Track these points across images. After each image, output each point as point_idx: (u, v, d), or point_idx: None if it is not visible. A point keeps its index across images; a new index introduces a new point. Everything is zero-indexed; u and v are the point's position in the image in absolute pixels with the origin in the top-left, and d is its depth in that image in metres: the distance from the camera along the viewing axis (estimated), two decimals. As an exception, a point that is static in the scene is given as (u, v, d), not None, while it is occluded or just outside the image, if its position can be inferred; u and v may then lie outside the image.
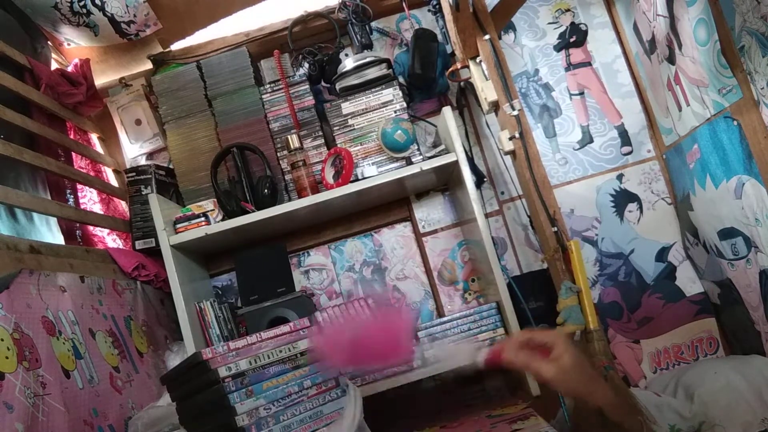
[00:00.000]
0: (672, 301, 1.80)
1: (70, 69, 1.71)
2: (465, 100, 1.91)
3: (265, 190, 1.59)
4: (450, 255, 1.85)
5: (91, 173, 1.74)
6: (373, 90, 1.66)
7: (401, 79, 1.80)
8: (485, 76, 1.61)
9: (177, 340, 1.64)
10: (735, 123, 1.38)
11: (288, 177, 1.67)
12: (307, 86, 1.71)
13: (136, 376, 1.40)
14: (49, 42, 1.71)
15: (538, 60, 1.93)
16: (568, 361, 0.84)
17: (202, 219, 1.56)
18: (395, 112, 1.66)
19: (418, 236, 1.86)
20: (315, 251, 1.87)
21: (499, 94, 1.57)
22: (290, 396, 0.98)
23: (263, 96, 1.71)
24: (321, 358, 0.98)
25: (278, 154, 1.69)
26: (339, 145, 1.65)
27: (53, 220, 1.51)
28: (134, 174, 1.72)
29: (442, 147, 1.65)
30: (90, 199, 1.72)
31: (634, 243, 1.83)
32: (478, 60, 1.63)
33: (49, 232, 1.51)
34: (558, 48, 1.93)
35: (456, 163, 1.56)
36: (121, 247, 1.71)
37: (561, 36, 1.94)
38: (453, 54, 1.75)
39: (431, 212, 1.87)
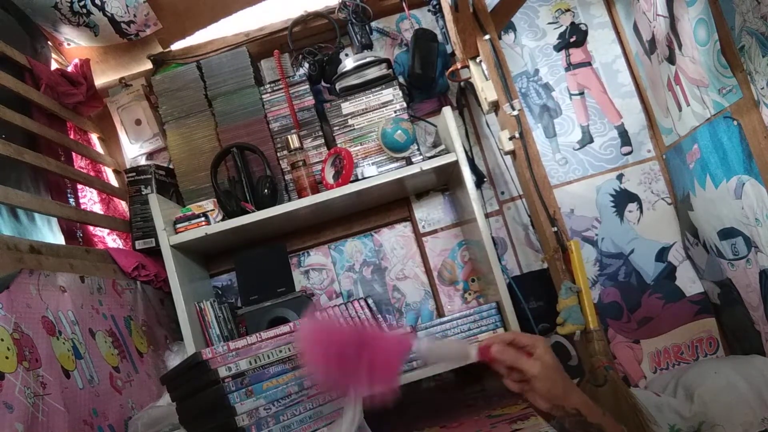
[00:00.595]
0: (672, 301, 1.80)
1: (70, 69, 1.71)
2: (465, 100, 1.91)
3: (265, 190, 1.59)
4: (450, 255, 1.85)
5: (91, 173, 1.74)
6: (373, 90, 1.66)
7: (401, 79, 1.80)
8: (485, 76, 1.61)
9: (177, 340, 1.64)
10: (735, 123, 1.38)
11: (288, 177, 1.67)
12: (307, 86, 1.71)
13: (136, 376, 1.40)
14: (49, 42, 1.71)
15: (538, 60, 1.93)
16: (550, 361, 0.89)
17: (202, 219, 1.56)
18: (395, 112, 1.66)
19: (418, 236, 1.86)
20: (315, 251, 1.87)
21: (499, 94, 1.57)
22: (290, 396, 0.98)
23: (263, 96, 1.71)
24: (305, 351, 0.94)
25: (278, 154, 1.69)
26: (339, 145, 1.65)
27: (54, 220, 1.51)
28: (134, 174, 1.72)
29: (442, 147, 1.65)
30: (90, 199, 1.73)
31: (634, 243, 1.83)
32: (478, 60, 1.63)
33: (50, 232, 1.51)
34: (558, 48, 1.93)
35: (456, 163, 1.56)
36: (121, 247, 1.71)
37: (561, 36, 1.94)
38: (453, 54, 1.75)
39: (431, 212, 1.87)
